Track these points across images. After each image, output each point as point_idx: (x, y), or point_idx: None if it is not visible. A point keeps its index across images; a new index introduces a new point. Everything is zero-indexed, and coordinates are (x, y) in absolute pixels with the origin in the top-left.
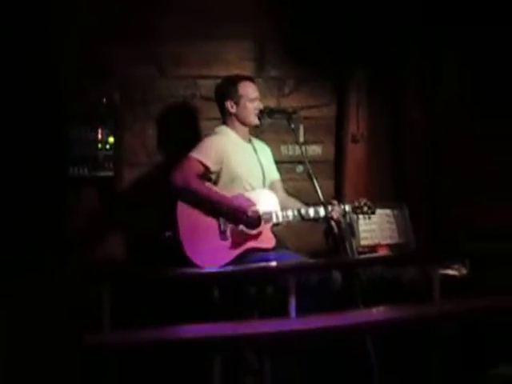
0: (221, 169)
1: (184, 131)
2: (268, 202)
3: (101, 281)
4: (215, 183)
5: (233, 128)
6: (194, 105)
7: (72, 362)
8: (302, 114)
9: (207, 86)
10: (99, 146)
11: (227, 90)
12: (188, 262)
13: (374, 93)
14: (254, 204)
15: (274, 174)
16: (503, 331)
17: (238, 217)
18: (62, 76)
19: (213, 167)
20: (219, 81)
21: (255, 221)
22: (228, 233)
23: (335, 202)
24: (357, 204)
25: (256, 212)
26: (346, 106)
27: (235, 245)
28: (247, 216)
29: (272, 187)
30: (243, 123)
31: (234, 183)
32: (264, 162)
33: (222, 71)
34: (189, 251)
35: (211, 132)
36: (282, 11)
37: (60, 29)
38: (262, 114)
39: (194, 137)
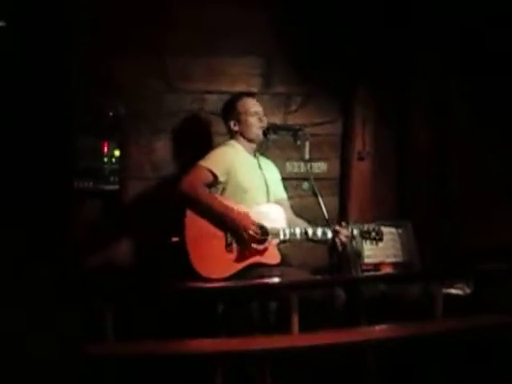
0: (227, 180)
1: (190, 146)
2: (277, 218)
3: (104, 293)
4: (221, 194)
5: (240, 144)
6: (200, 119)
7: (72, 372)
8: (308, 130)
9: (214, 101)
10: (105, 159)
11: (228, 109)
12: (191, 270)
13: (380, 110)
14: (256, 222)
15: (280, 193)
16: (505, 349)
17: (240, 233)
18: (70, 88)
19: (221, 176)
20: (226, 96)
21: (256, 239)
22: (234, 245)
23: (344, 225)
24: (365, 229)
25: (258, 230)
26: (352, 123)
27: (240, 258)
28: (248, 234)
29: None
30: (248, 140)
31: (240, 195)
32: (269, 179)
33: (229, 86)
34: (193, 260)
35: (220, 144)
36: (289, 27)
37: (69, 40)
38: (267, 130)
39: (201, 151)
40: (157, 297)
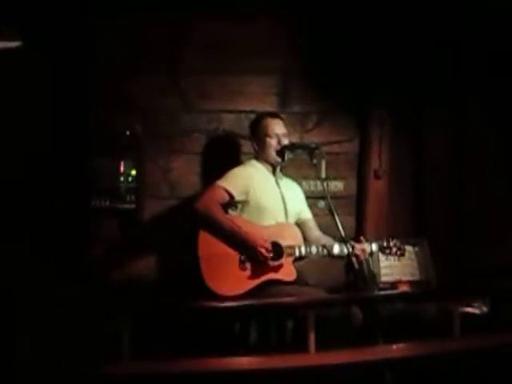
0: (246, 199)
1: (207, 164)
2: (292, 235)
3: (120, 312)
4: (241, 212)
5: (260, 162)
6: (217, 138)
7: None
8: (325, 149)
9: (230, 120)
10: (121, 178)
11: (251, 129)
12: (205, 289)
13: (396, 128)
14: (270, 240)
15: (304, 212)
16: None
17: (252, 252)
18: (87, 107)
19: (238, 196)
20: (242, 115)
21: (268, 258)
22: (247, 262)
23: (362, 240)
24: (385, 244)
25: (270, 248)
26: (368, 142)
27: (254, 275)
28: (260, 253)
29: (305, 226)
30: (265, 160)
31: (258, 213)
32: (287, 197)
33: (246, 105)
34: (207, 278)
35: (240, 164)
36: (305, 46)
37: (86, 60)
38: (282, 151)
39: (217, 170)
40: (173, 315)
